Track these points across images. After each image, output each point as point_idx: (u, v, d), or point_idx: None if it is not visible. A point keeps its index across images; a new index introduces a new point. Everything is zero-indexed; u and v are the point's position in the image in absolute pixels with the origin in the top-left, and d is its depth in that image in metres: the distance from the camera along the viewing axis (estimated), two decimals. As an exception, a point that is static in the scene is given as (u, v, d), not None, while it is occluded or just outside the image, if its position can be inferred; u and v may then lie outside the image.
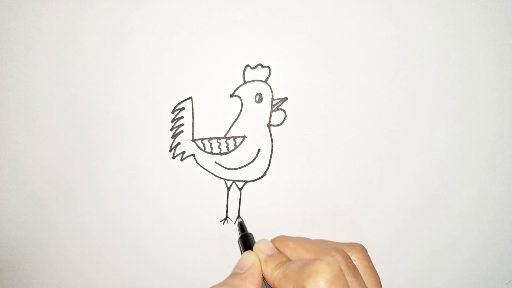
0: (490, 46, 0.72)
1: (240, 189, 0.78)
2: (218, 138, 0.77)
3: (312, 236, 0.79)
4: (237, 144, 0.77)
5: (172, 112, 0.77)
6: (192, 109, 0.77)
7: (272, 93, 0.76)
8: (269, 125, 0.76)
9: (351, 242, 0.56)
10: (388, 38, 0.74)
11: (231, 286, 0.45)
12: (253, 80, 0.76)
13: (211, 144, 0.77)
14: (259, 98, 0.76)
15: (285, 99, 0.75)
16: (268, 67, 0.75)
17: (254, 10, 0.75)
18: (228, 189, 0.78)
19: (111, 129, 0.78)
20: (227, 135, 0.77)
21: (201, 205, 0.79)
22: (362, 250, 0.54)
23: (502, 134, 0.73)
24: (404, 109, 0.74)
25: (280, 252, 0.52)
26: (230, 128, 0.77)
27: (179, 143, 0.78)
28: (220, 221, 0.79)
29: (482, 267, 0.76)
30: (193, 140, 0.78)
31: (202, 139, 0.77)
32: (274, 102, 0.76)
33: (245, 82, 0.76)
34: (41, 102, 0.79)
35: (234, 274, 0.48)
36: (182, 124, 0.77)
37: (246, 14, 0.75)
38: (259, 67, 0.75)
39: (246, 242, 0.62)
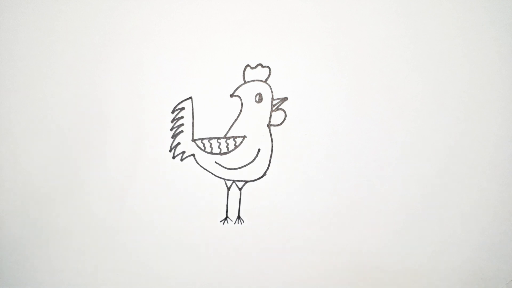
0: (490, 46, 0.73)
1: (240, 189, 0.78)
2: (218, 138, 0.77)
3: (313, 235, 0.80)
4: (237, 144, 0.77)
5: (172, 112, 0.77)
6: (192, 109, 0.77)
7: (272, 93, 0.76)
8: (269, 125, 0.76)
9: None
10: (388, 38, 0.74)
11: None
12: (253, 80, 0.76)
13: (211, 144, 0.77)
14: (259, 98, 0.76)
15: (285, 99, 0.75)
16: (268, 67, 0.75)
17: (254, 10, 0.75)
18: (228, 189, 0.78)
19: (111, 129, 0.78)
20: (227, 135, 0.77)
21: (201, 205, 0.79)
22: None
23: (502, 135, 0.73)
24: (404, 109, 0.74)
25: None
26: (230, 128, 0.77)
27: (179, 143, 0.78)
28: (220, 221, 0.79)
29: (482, 267, 0.76)
30: (193, 140, 0.78)
31: (202, 139, 0.77)
32: (274, 102, 0.76)
33: (245, 82, 0.76)
34: (41, 102, 0.79)
35: None
36: (182, 124, 0.77)
37: (246, 14, 0.75)
38: (259, 67, 0.75)
39: None
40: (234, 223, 0.78)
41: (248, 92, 0.76)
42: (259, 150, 0.76)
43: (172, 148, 0.78)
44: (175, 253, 0.80)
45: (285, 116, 0.75)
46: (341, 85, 0.74)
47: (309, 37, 0.74)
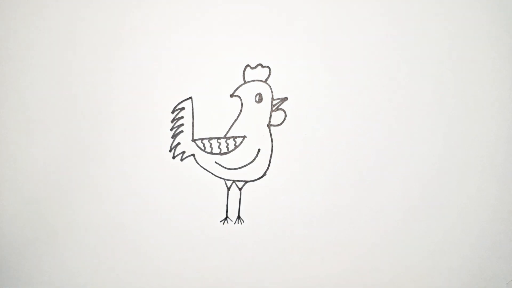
0: (490, 46, 0.73)
1: (240, 189, 0.78)
2: (218, 138, 0.77)
3: (313, 236, 0.80)
4: (237, 144, 0.77)
5: (172, 112, 0.77)
6: (192, 109, 0.77)
7: (272, 93, 0.76)
8: (269, 125, 0.76)
9: None
10: (388, 38, 0.74)
11: None
12: (253, 80, 0.76)
13: (211, 144, 0.77)
14: (259, 98, 0.76)
15: (285, 99, 0.75)
16: (268, 67, 0.75)
17: (254, 10, 0.75)
18: (228, 189, 0.78)
19: (110, 129, 0.78)
20: (227, 135, 0.77)
21: (201, 205, 0.79)
22: None
23: (502, 134, 0.73)
24: (404, 109, 0.74)
25: None
26: (230, 128, 0.77)
27: (179, 143, 0.78)
28: (220, 221, 0.79)
29: (482, 267, 0.76)
30: (193, 140, 0.78)
31: (202, 139, 0.77)
32: (274, 102, 0.76)
33: (245, 82, 0.76)
34: (41, 102, 0.79)
35: None
36: (182, 124, 0.77)
37: (246, 14, 0.75)
38: (259, 67, 0.75)
39: None
40: (234, 223, 0.78)
41: (248, 92, 0.76)
42: (259, 150, 0.76)
43: (172, 148, 0.78)
44: (175, 253, 0.80)
45: (285, 116, 0.75)
46: (341, 85, 0.74)
47: (309, 37, 0.74)
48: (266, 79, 0.75)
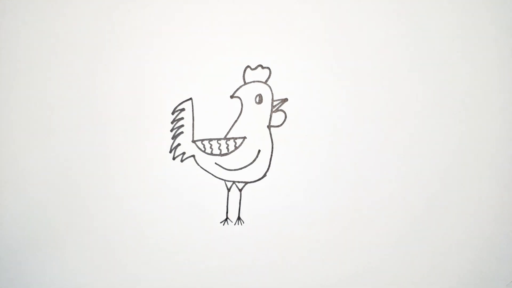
0: (490, 46, 0.72)
1: (240, 190, 0.78)
2: (218, 139, 0.77)
3: (313, 237, 0.80)
4: (237, 145, 0.77)
5: (172, 113, 0.77)
6: (192, 110, 0.77)
7: (272, 94, 0.76)
8: (269, 126, 0.76)
9: None
10: (388, 38, 0.74)
11: None
12: (253, 81, 0.76)
13: (211, 145, 0.77)
14: (259, 99, 0.76)
15: (285, 100, 0.75)
16: (268, 68, 0.75)
17: (255, 11, 0.75)
18: (228, 190, 0.78)
19: (111, 130, 0.78)
20: (227, 136, 0.77)
21: (202, 206, 0.79)
22: None
23: (503, 136, 0.73)
24: (404, 110, 0.74)
25: None
26: (230, 129, 0.77)
27: (179, 144, 0.78)
28: (221, 222, 0.79)
29: (482, 269, 0.76)
30: (193, 141, 0.78)
31: (202, 140, 0.77)
32: (274, 103, 0.76)
33: (245, 83, 0.76)
34: (42, 103, 0.79)
35: None
36: (182, 125, 0.77)
37: (246, 15, 0.75)
38: (259, 68, 0.75)
39: None
40: (234, 224, 0.78)
41: (248, 93, 0.76)
42: (259, 151, 0.76)
43: (172, 149, 0.78)
44: (175, 254, 0.80)
45: (285, 117, 0.75)
46: (341, 86, 0.74)
47: (309, 38, 0.74)
48: (266, 80, 0.75)
